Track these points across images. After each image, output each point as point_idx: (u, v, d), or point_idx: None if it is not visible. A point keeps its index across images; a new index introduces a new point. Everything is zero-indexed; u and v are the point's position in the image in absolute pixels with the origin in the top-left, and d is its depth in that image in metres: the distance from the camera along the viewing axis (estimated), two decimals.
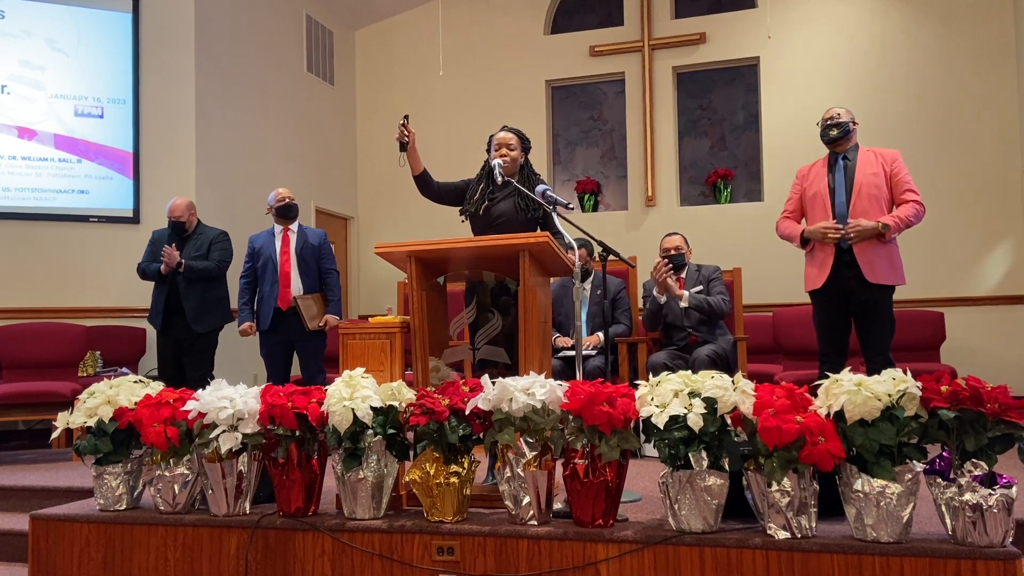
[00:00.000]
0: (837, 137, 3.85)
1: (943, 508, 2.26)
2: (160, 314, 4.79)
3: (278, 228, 4.90)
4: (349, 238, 7.93)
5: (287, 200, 4.86)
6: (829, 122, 3.87)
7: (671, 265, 4.50)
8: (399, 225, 7.72)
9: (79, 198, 5.80)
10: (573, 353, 4.33)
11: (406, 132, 3.33)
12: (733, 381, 2.46)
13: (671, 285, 4.49)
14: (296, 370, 5.06)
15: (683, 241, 4.68)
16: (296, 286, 4.79)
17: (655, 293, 4.56)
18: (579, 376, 2.84)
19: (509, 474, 2.57)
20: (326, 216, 7.53)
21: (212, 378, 4.64)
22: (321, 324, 4.80)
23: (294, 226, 4.91)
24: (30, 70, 5.72)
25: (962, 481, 2.21)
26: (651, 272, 4.51)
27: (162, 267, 4.73)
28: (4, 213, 5.55)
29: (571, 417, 2.50)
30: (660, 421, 2.39)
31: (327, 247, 4.97)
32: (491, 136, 3.48)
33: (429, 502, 2.66)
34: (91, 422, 2.99)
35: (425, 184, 3.51)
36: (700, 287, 4.56)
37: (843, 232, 3.66)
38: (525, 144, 3.49)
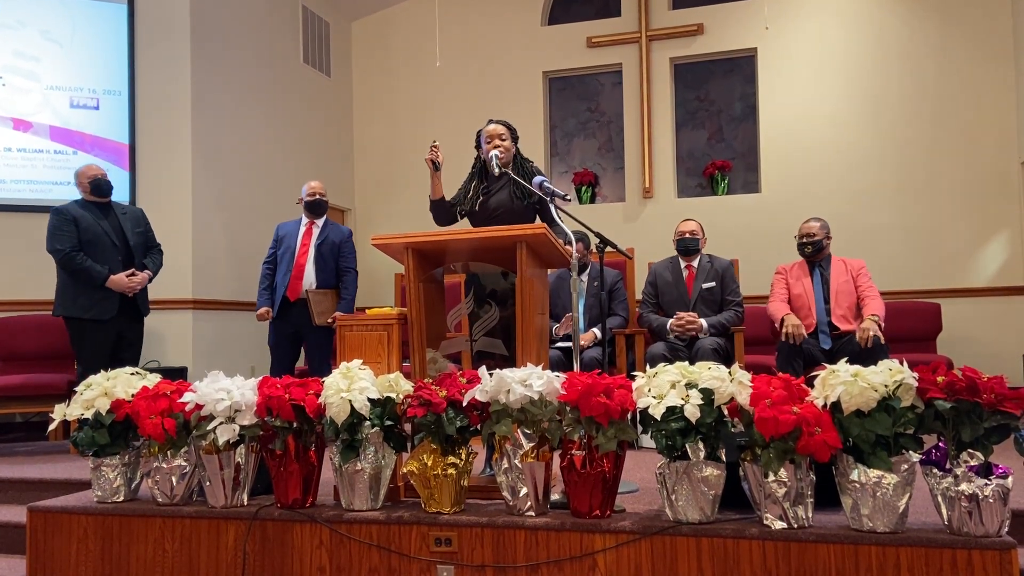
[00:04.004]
0: (811, 254, 4.40)
1: (939, 498, 2.27)
2: (116, 300, 4.48)
3: (304, 220, 4.96)
4: None
5: (317, 196, 4.93)
6: (805, 239, 4.42)
7: (692, 326, 4.49)
8: (396, 217, 7.70)
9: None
10: (570, 344, 4.33)
11: (438, 153, 3.37)
12: (730, 372, 2.46)
13: (693, 330, 4.47)
14: (303, 361, 5.07)
15: (699, 227, 4.75)
16: (309, 279, 4.82)
17: (669, 328, 4.54)
18: (576, 367, 2.84)
19: (507, 465, 2.58)
20: None
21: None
22: (329, 321, 4.76)
23: (320, 220, 4.95)
24: (24, 61, 5.68)
25: (958, 471, 2.22)
26: (672, 323, 4.50)
27: (128, 291, 4.47)
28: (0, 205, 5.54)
29: (568, 408, 2.50)
30: (657, 412, 2.40)
31: (349, 245, 4.99)
32: (479, 131, 3.49)
33: (427, 493, 2.66)
34: (88, 414, 2.99)
35: (443, 209, 3.52)
36: (713, 283, 4.61)
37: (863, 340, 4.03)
38: (514, 134, 3.52)
